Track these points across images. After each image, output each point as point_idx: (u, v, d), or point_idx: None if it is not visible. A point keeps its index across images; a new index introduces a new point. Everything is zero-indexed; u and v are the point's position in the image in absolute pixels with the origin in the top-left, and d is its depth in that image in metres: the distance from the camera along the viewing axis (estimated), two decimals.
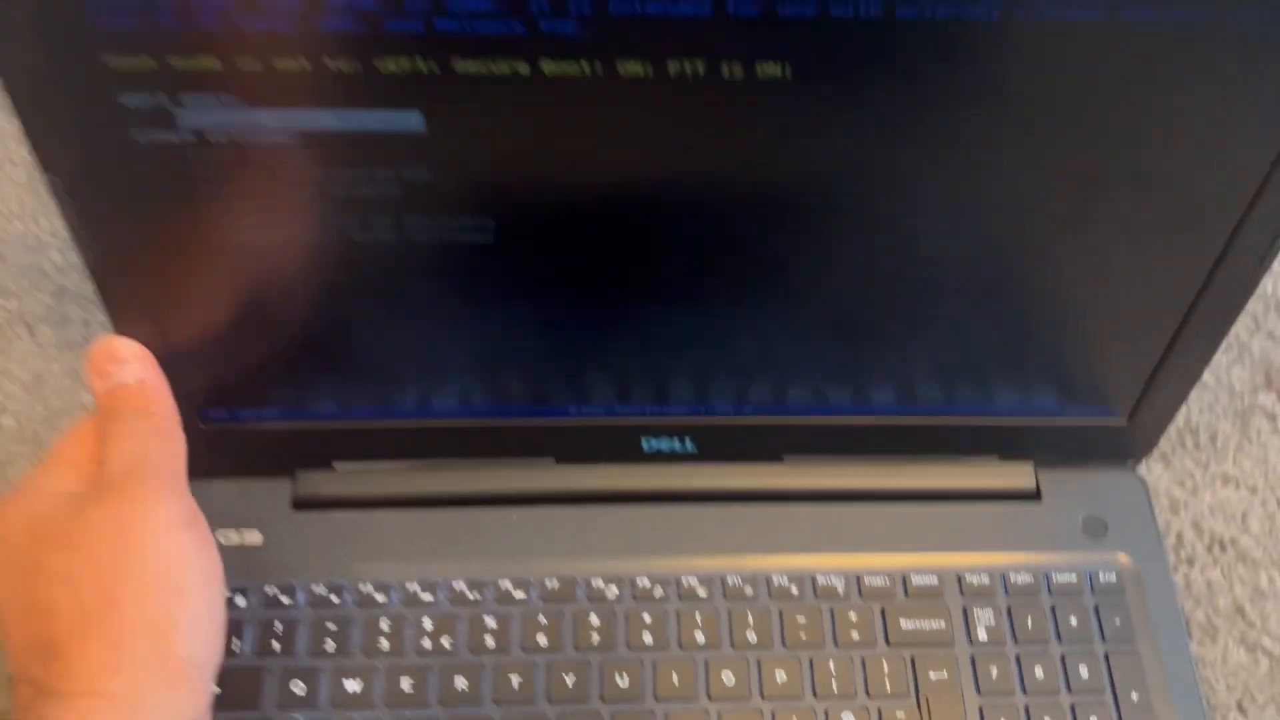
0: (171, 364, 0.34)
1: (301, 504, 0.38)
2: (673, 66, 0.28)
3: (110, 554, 0.30)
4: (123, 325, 0.34)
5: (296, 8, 0.28)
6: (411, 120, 0.30)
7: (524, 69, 0.29)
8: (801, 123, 0.30)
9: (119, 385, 0.33)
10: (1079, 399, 0.38)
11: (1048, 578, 0.38)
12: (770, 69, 0.29)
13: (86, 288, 0.44)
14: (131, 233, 0.31)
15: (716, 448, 0.39)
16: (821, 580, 0.37)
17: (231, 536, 0.37)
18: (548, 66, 0.29)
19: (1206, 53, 0.29)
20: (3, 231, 0.44)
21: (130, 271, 0.32)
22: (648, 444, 0.39)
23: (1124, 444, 0.39)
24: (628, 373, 0.37)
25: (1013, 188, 0.32)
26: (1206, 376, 0.44)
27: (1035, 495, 0.40)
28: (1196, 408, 0.43)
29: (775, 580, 0.37)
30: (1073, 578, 0.38)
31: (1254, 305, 0.45)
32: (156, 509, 0.31)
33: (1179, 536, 0.40)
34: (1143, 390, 0.37)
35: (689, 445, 0.39)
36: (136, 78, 0.29)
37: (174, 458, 0.33)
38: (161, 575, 0.30)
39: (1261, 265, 0.34)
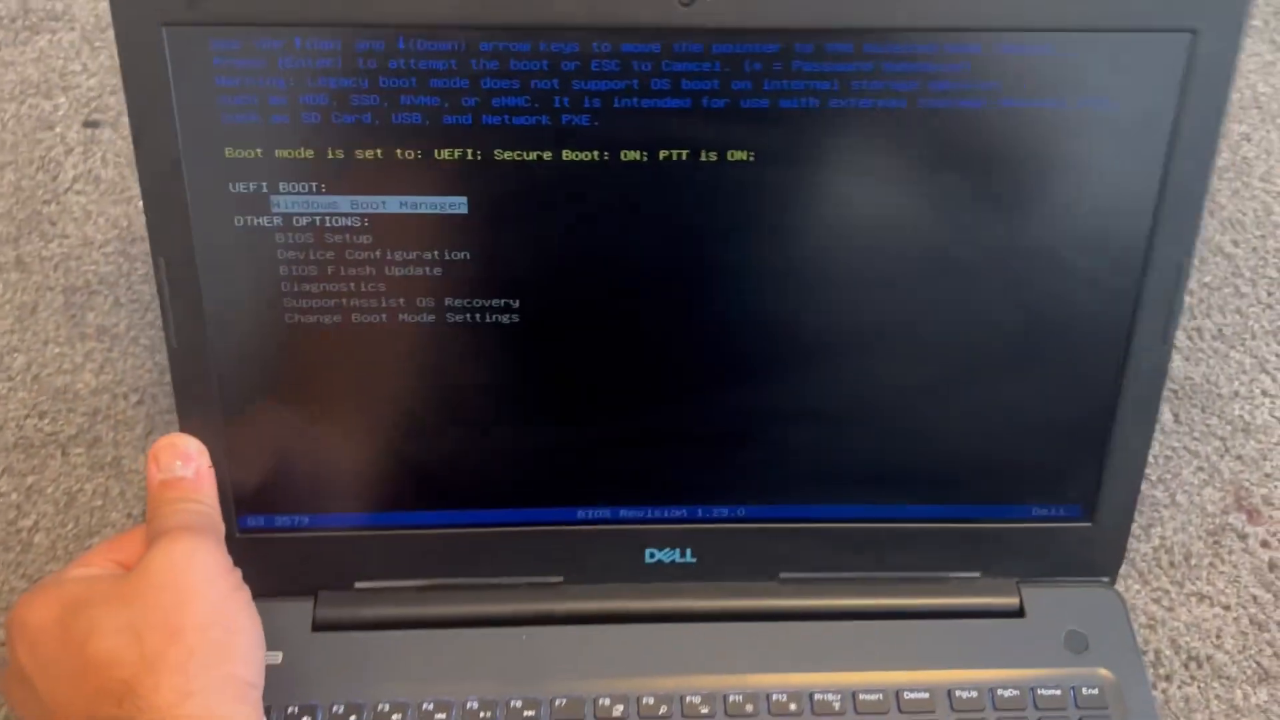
0: (222, 461, 0.38)
1: (321, 626, 0.40)
2: (663, 153, 0.36)
3: (170, 596, 0.34)
4: (186, 413, 0.38)
5: (378, 104, 0.34)
6: (458, 204, 0.36)
7: (548, 156, 0.35)
8: (765, 200, 0.36)
9: (174, 478, 0.37)
10: (1042, 498, 0.41)
11: (1034, 692, 0.39)
12: (738, 154, 0.36)
13: (118, 409, 0.46)
14: (213, 310, 0.37)
15: (715, 559, 0.41)
16: (819, 697, 0.39)
17: None
18: (567, 154, 0.35)
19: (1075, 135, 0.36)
20: (39, 354, 0.47)
21: (205, 356, 0.37)
22: (650, 555, 0.41)
23: (1094, 550, 0.42)
24: (632, 470, 0.40)
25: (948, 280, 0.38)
26: (1179, 497, 0.46)
27: (1019, 612, 0.41)
28: (1170, 527, 0.45)
29: (775, 697, 0.39)
30: (1057, 692, 0.39)
31: (1222, 428, 0.48)
32: (204, 554, 0.35)
33: (1157, 653, 0.42)
34: (1097, 483, 0.41)
35: (689, 556, 0.41)
36: (246, 168, 0.35)
37: (216, 531, 0.37)
38: (218, 610, 0.34)
39: (1165, 344, 0.39)
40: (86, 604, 0.34)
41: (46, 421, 0.46)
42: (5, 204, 0.51)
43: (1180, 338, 0.49)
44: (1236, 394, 0.48)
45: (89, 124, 0.53)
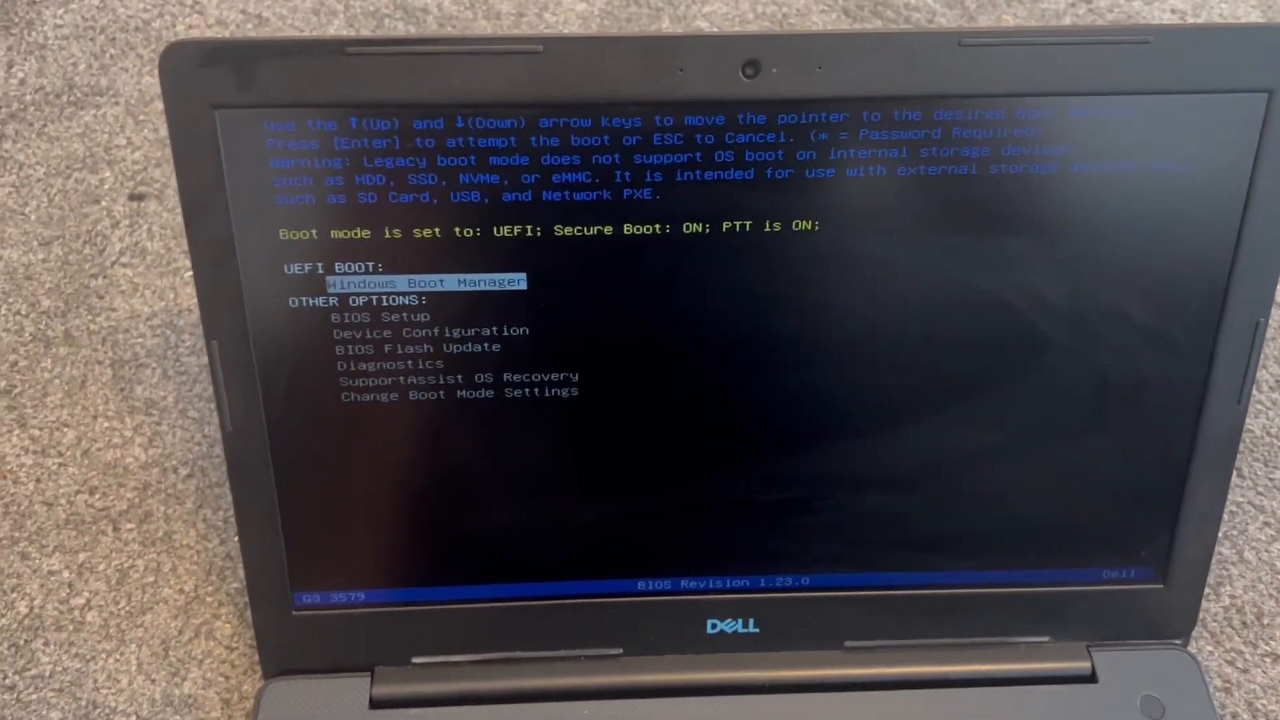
0: (280, 539, 0.38)
1: (379, 703, 0.39)
2: (726, 224, 0.35)
3: None
4: (241, 494, 0.37)
5: (436, 184, 0.34)
6: (517, 280, 0.35)
7: (609, 230, 0.35)
8: (828, 270, 0.36)
9: None
10: (1113, 560, 0.40)
11: None
12: (802, 224, 0.35)
13: (168, 483, 0.45)
14: (268, 392, 0.36)
15: (779, 628, 0.40)
16: None
17: None
18: (628, 228, 0.35)
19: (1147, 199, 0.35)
20: (89, 429, 0.47)
21: (260, 438, 0.36)
22: (712, 625, 0.40)
23: (1167, 612, 0.41)
24: (693, 541, 0.39)
25: (1020, 338, 0.37)
26: (1247, 554, 0.45)
27: (1091, 677, 0.41)
28: (1240, 585, 0.44)
29: None
30: None
31: None
32: None
33: (1234, 717, 0.41)
34: (1169, 545, 0.40)
35: (752, 626, 0.40)
36: (301, 249, 0.35)
37: None
38: None
39: (1240, 405, 0.38)
40: None
41: (97, 497, 0.45)
42: (54, 278, 0.51)
43: None
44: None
45: (134, 197, 0.53)
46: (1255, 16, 0.63)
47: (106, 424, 0.47)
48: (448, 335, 0.36)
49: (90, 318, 0.50)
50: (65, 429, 0.47)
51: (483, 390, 0.36)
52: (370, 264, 0.35)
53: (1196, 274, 0.36)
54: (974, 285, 0.36)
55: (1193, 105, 0.34)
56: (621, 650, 0.40)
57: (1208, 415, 0.38)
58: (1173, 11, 0.63)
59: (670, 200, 0.34)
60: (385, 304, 0.35)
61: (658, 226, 0.35)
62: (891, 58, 0.33)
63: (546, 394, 0.37)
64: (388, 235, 0.34)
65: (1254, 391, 0.50)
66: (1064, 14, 0.62)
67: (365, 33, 0.60)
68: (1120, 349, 0.37)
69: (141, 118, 0.56)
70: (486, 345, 0.36)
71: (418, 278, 0.35)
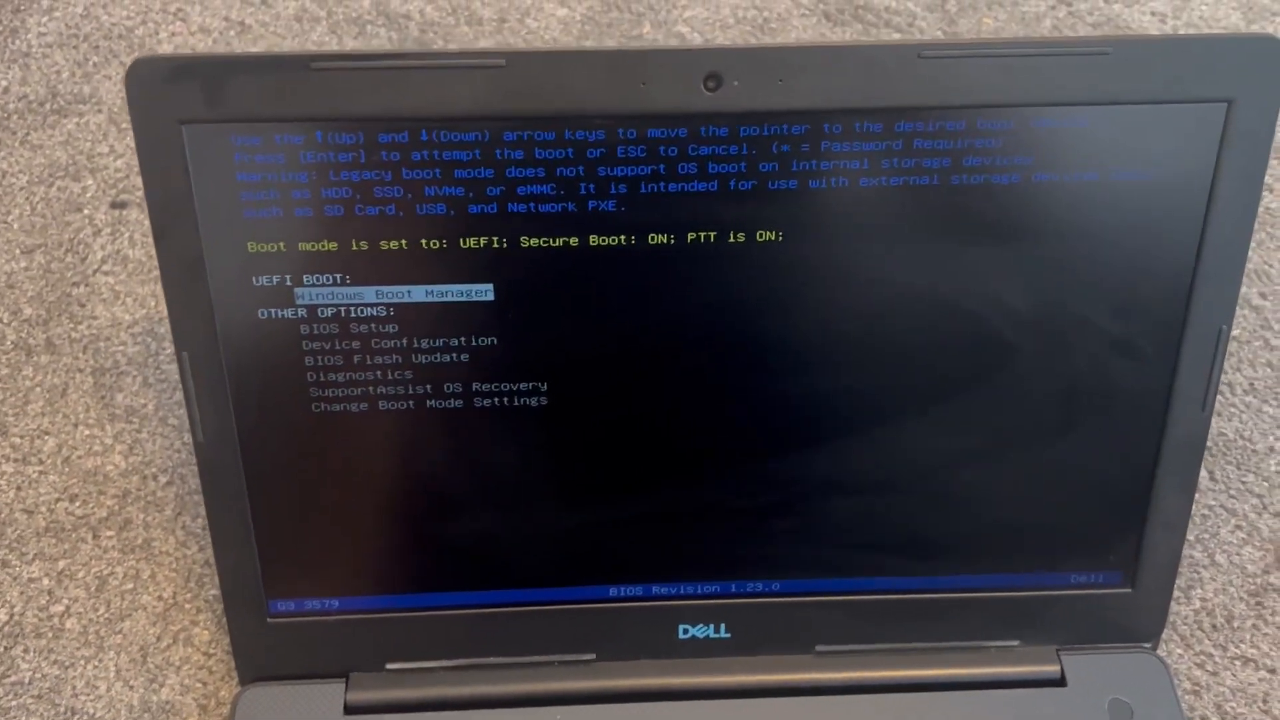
0: (254, 548, 0.38)
1: (353, 709, 0.39)
2: (691, 235, 0.35)
3: None
4: (214, 503, 0.38)
5: (402, 196, 0.34)
6: (484, 291, 0.35)
7: (574, 242, 0.35)
8: (795, 279, 0.36)
9: None
10: (1081, 565, 0.41)
11: None
12: (766, 234, 0.35)
13: (148, 490, 0.46)
14: (239, 403, 0.36)
15: (750, 633, 0.41)
16: None
17: None
18: (593, 239, 0.35)
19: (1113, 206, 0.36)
20: (69, 436, 0.47)
21: (232, 447, 0.37)
22: (684, 631, 0.41)
23: (1136, 615, 0.41)
24: (664, 547, 0.40)
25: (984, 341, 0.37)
26: (1218, 557, 0.45)
27: (1060, 681, 0.41)
28: (1211, 588, 0.44)
29: None
30: None
31: (1258, 485, 0.47)
32: None
33: None
34: (1137, 549, 0.40)
35: (723, 631, 0.41)
36: (269, 261, 0.35)
37: None
38: None
39: (1205, 411, 0.38)
40: None
41: (77, 505, 0.46)
42: (35, 286, 0.51)
43: None
44: (1272, 449, 0.48)
45: (116, 205, 0.53)
46: (1236, 18, 0.63)
47: (87, 431, 0.48)
48: (416, 346, 0.36)
49: (72, 325, 0.50)
50: (46, 437, 0.47)
51: (452, 400, 0.37)
52: (338, 275, 0.35)
53: (1159, 282, 0.36)
54: (938, 294, 0.36)
55: (1153, 115, 0.34)
56: (594, 655, 0.41)
57: (1173, 421, 0.38)
58: (1153, 14, 0.63)
59: (635, 212, 0.35)
60: (353, 315, 0.35)
61: (623, 238, 0.35)
62: (852, 70, 0.33)
63: (515, 403, 0.37)
64: (355, 247, 0.35)
65: (1227, 396, 0.50)
66: (1044, 16, 0.63)
67: (348, 39, 0.60)
68: (1086, 356, 0.37)
69: (124, 126, 0.56)
70: (455, 355, 0.36)
71: (385, 289, 0.35)
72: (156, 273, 0.51)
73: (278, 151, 0.33)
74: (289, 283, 0.35)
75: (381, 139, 0.33)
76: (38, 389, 0.49)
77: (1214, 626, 0.44)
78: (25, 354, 0.50)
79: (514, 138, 0.33)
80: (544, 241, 0.35)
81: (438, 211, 0.34)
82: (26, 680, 0.41)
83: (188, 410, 0.36)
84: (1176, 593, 0.44)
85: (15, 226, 0.53)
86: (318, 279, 0.35)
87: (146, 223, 0.53)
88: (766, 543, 0.40)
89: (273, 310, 0.35)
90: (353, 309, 0.35)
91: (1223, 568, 0.45)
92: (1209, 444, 0.48)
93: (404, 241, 0.35)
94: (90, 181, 0.55)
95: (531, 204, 0.34)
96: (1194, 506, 0.46)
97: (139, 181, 0.54)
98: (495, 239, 0.35)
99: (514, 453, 0.38)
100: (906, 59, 0.33)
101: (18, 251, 0.53)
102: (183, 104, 0.33)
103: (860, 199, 0.35)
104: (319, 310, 0.35)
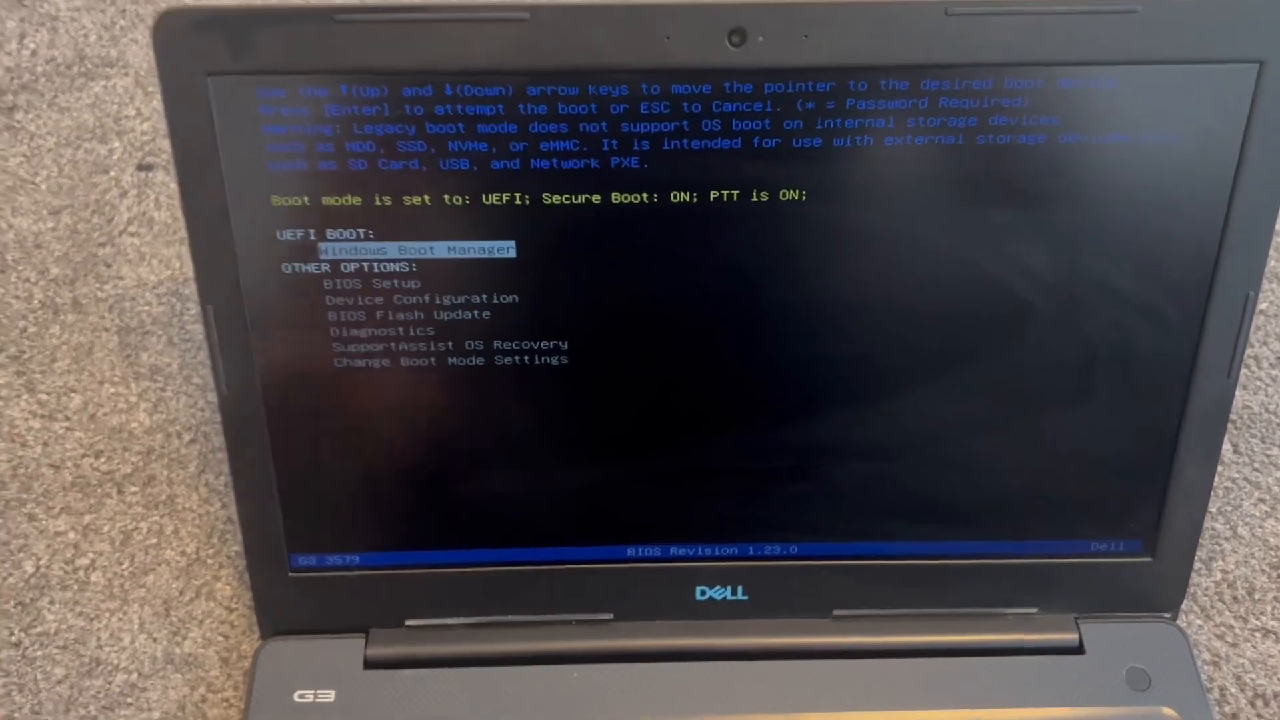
0: (276, 502, 0.38)
1: (373, 664, 0.40)
2: (714, 194, 0.35)
3: None
4: (237, 457, 0.38)
5: (425, 151, 0.34)
6: (506, 248, 0.35)
7: (596, 199, 0.35)
8: (819, 239, 0.36)
9: None
10: (1101, 532, 0.40)
11: None
12: (789, 193, 0.35)
13: (172, 448, 0.46)
14: (262, 357, 0.37)
15: (767, 596, 0.41)
16: None
17: (307, 696, 0.39)
18: (616, 197, 0.35)
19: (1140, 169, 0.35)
20: (95, 394, 0.48)
21: (255, 401, 0.37)
22: (701, 593, 0.41)
23: (1155, 585, 0.41)
24: (683, 508, 0.40)
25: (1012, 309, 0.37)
26: (1241, 530, 0.45)
27: (1079, 649, 0.41)
28: (1232, 560, 0.44)
29: None
30: None
31: None
32: None
33: (1222, 691, 0.41)
34: (1158, 518, 0.40)
35: (740, 594, 0.41)
36: (293, 216, 0.35)
37: None
38: None
39: (1230, 378, 0.38)
40: None
41: (102, 461, 0.46)
42: (63, 247, 0.52)
43: None
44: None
45: (142, 167, 0.53)
46: None
47: (112, 389, 0.48)
48: (438, 302, 0.36)
49: (98, 285, 0.51)
50: (72, 394, 0.48)
51: (473, 357, 0.37)
52: (361, 230, 0.35)
53: (1186, 246, 0.36)
54: (962, 256, 0.36)
55: (1182, 76, 0.34)
56: (612, 615, 0.41)
57: (1197, 388, 0.38)
58: None
59: (657, 169, 0.34)
60: (376, 270, 0.36)
61: (645, 196, 0.35)
62: (879, 26, 0.33)
63: (536, 361, 0.37)
64: (378, 202, 0.35)
65: (1253, 369, 0.50)
66: None
67: None
68: (1109, 321, 0.37)
69: (150, 89, 0.56)
70: (476, 313, 0.36)
71: (408, 245, 0.35)
72: (181, 234, 0.52)
73: (302, 104, 0.33)
74: (312, 237, 0.35)
75: (405, 93, 0.33)
76: (64, 347, 0.49)
77: (1235, 598, 0.44)
78: (52, 313, 0.50)
79: (537, 92, 0.33)
80: (566, 198, 0.35)
81: (461, 167, 0.34)
82: (52, 631, 0.42)
83: (211, 364, 0.37)
84: (1197, 564, 0.44)
85: (43, 188, 0.54)
86: (341, 234, 0.35)
87: (172, 185, 0.54)
88: (785, 506, 0.40)
89: (296, 265, 0.36)
90: (375, 264, 0.36)
91: (1245, 540, 0.45)
92: (1233, 416, 0.48)
93: (427, 197, 0.35)
94: (117, 144, 0.55)
95: (554, 160, 0.34)
96: (1217, 478, 0.46)
97: (165, 144, 0.55)
98: (518, 195, 0.35)
99: (534, 411, 0.38)
100: (934, 16, 0.33)
101: (45, 212, 0.53)
102: (209, 56, 0.33)
103: (885, 158, 0.34)
104: (342, 265, 0.36)
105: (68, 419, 0.47)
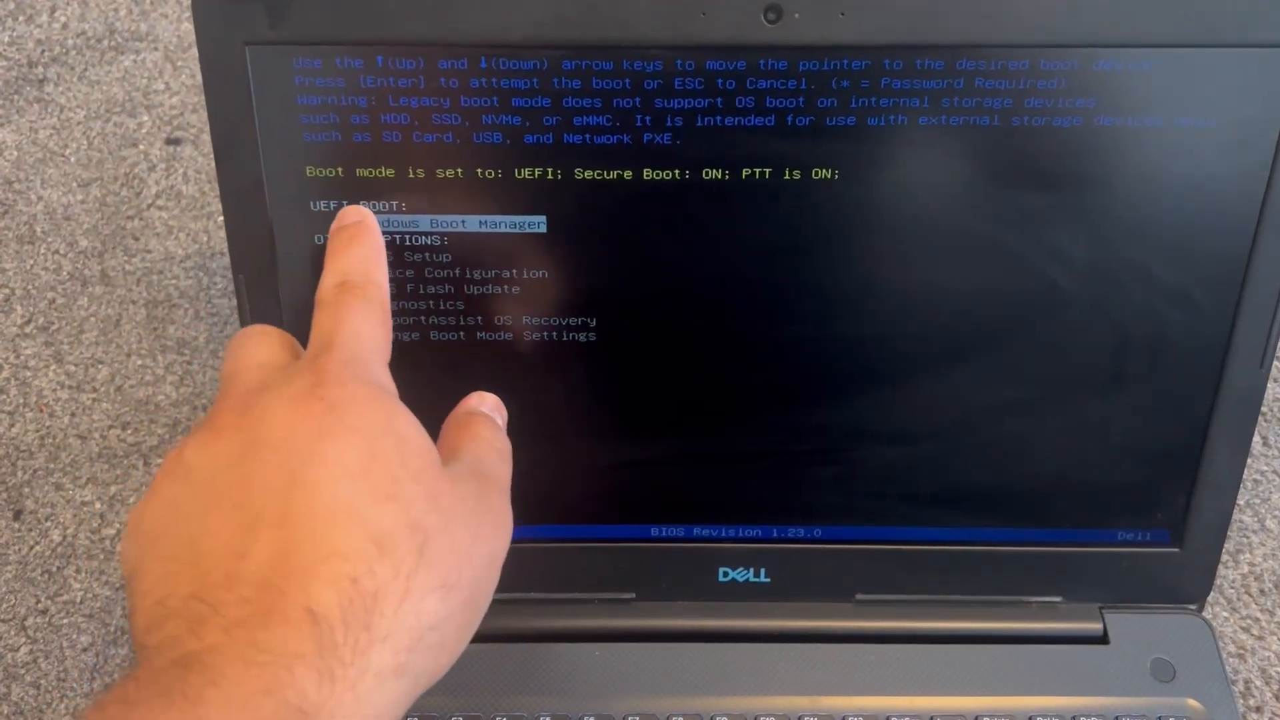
0: None
1: None
2: (746, 172, 0.35)
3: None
4: None
5: (459, 124, 0.34)
6: (537, 223, 0.35)
7: (628, 175, 0.35)
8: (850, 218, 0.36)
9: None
10: (1128, 522, 0.40)
11: None
12: (822, 173, 0.35)
13: (197, 421, 0.47)
14: (292, 328, 0.36)
15: (790, 579, 0.41)
16: None
17: None
18: (648, 173, 0.35)
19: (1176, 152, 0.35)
20: (122, 366, 0.48)
21: None
22: (724, 574, 0.41)
23: (1182, 576, 0.41)
24: (707, 489, 0.40)
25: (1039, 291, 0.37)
26: (1269, 522, 0.45)
27: (1103, 639, 0.40)
28: (1260, 553, 0.44)
29: None
30: None
31: None
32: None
33: (1247, 683, 0.41)
34: (1186, 508, 0.40)
35: (763, 575, 0.41)
36: (327, 187, 0.35)
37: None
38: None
39: (1262, 368, 0.37)
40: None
41: (129, 432, 0.46)
42: (91, 219, 0.52)
43: None
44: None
45: (171, 141, 0.54)
46: None
47: (140, 362, 0.48)
48: (468, 276, 0.36)
49: (126, 258, 0.51)
50: (100, 366, 0.48)
51: (502, 332, 0.37)
52: (394, 203, 0.35)
53: (1220, 233, 0.36)
54: (994, 238, 0.36)
55: (1220, 59, 0.33)
56: (634, 595, 0.41)
57: (1228, 377, 0.38)
58: None
59: (690, 146, 0.34)
60: (408, 243, 0.36)
61: (677, 172, 0.35)
62: (915, 5, 0.33)
63: (565, 338, 0.37)
64: (411, 175, 0.35)
65: None
66: None
67: None
68: (1141, 307, 0.37)
69: (179, 63, 0.57)
70: (506, 287, 0.36)
71: (440, 218, 0.35)
72: (209, 209, 0.52)
73: (338, 75, 0.34)
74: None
75: (441, 65, 0.33)
76: (92, 319, 0.50)
77: (1261, 591, 0.43)
78: (81, 285, 0.50)
79: (571, 66, 0.33)
80: (598, 174, 0.35)
81: (494, 141, 0.34)
82: (78, 599, 0.42)
83: None
84: (1225, 556, 0.43)
85: (72, 160, 0.54)
86: (374, 206, 0.35)
87: (200, 159, 0.54)
88: (809, 488, 0.40)
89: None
90: (407, 237, 0.36)
91: (1273, 533, 0.45)
92: (1264, 409, 0.47)
93: (460, 170, 0.35)
94: (146, 118, 0.56)
95: (587, 135, 0.34)
96: (1246, 471, 0.45)
97: (193, 119, 0.55)
98: (550, 170, 0.35)
99: (561, 388, 0.38)
100: None
101: (74, 185, 0.53)
102: (247, 25, 0.33)
103: (919, 138, 0.34)
104: None
105: (95, 390, 0.47)
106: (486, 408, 0.34)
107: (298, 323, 0.36)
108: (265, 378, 0.29)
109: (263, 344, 0.31)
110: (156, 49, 0.57)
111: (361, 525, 0.26)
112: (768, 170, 0.35)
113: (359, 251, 0.32)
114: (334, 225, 0.34)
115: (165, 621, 0.25)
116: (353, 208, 0.34)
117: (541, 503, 0.40)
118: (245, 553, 0.25)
